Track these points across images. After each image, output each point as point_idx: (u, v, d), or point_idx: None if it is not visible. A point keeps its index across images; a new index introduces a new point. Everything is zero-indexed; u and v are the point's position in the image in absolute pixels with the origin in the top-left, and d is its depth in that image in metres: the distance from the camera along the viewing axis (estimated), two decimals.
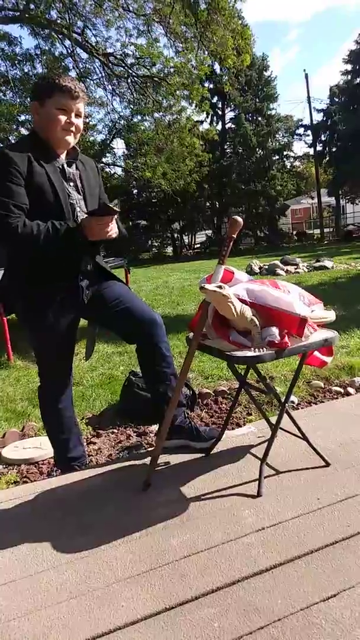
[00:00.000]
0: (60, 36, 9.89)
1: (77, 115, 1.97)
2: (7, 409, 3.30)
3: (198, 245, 28.63)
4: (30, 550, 1.65)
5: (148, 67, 10.77)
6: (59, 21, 9.59)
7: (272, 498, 1.79)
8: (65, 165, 1.99)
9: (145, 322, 2.08)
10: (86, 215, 1.94)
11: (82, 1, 9.69)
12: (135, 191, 24.60)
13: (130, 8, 9.83)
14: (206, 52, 9.73)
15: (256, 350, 1.75)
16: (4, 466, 2.47)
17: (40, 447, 2.55)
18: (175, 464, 2.12)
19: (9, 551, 1.65)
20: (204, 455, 2.17)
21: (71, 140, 1.98)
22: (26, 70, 10.75)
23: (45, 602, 1.41)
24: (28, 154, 1.88)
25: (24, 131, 11.38)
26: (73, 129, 1.96)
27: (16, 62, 10.63)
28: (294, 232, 29.40)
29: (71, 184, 2.00)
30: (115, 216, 1.94)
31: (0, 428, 2.97)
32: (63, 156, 2.00)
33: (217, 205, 26.85)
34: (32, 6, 8.87)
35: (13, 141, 10.87)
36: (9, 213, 1.79)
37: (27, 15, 8.45)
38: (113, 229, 1.94)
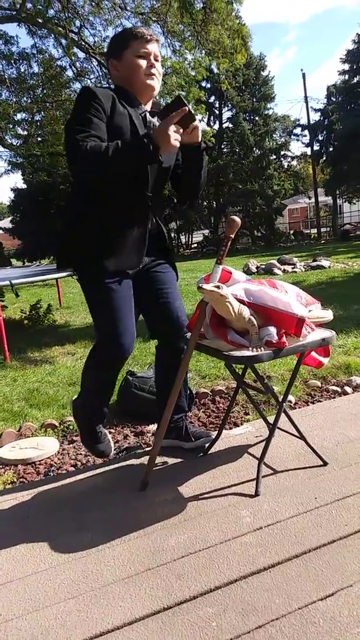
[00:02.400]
0: (56, 35, 9.87)
1: (156, 59, 1.95)
2: (3, 409, 3.29)
3: (195, 245, 28.62)
4: (28, 551, 1.64)
5: None
6: (56, 20, 9.57)
7: (269, 497, 1.79)
8: (148, 115, 1.96)
9: (178, 330, 2.08)
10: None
11: (81, 1, 9.67)
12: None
13: (128, 7, 9.82)
14: (203, 52, 9.73)
15: (254, 350, 1.75)
16: (1, 466, 2.46)
17: (37, 448, 2.55)
18: (173, 463, 2.12)
19: (6, 551, 1.65)
20: (201, 454, 2.17)
21: (155, 84, 1.95)
22: (22, 70, 10.73)
23: (43, 602, 1.41)
24: (113, 94, 1.87)
25: (19, 130, 11.37)
26: (155, 71, 1.94)
27: (12, 61, 10.61)
28: (291, 232, 29.44)
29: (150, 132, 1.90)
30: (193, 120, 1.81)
31: None
32: (147, 107, 1.98)
33: (214, 205, 26.87)
34: (29, 5, 8.84)
35: (9, 140, 10.85)
36: (82, 139, 1.71)
37: (24, 15, 8.43)
38: (193, 133, 1.87)
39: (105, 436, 2.14)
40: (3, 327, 4.77)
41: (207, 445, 2.20)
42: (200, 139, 1.94)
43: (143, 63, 1.91)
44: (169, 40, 10.01)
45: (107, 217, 1.90)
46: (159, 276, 2.11)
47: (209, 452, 2.18)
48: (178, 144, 1.78)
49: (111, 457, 2.23)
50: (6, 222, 27.02)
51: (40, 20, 8.57)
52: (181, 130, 1.78)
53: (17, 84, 10.35)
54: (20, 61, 10.57)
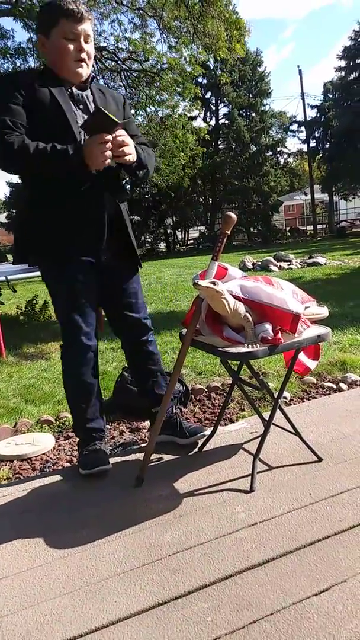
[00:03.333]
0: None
1: (86, 40, 1.86)
2: None
3: (191, 241, 28.60)
4: (23, 547, 1.64)
5: (141, 62, 10.71)
6: None
7: (264, 493, 1.80)
8: (74, 89, 1.89)
9: (136, 322, 2.13)
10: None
11: None
12: (128, 187, 24.54)
13: (124, 2, 9.77)
14: (200, 47, 9.69)
15: (249, 346, 1.75)
16: None
17: (33, 444, 2.54)
18: (169, 459, 2.12)
19: (1, 547, 1.65)
20: (196, 451, 2.18)
21: (84, 71, 1.88)
22: (18, 64, 10.64)
23: (38, 597, 1.41)
24: (33, 78, 1.83)
25: None
26: (84, 56, 1.85)
27: (8, 55, 10.52)
28: (288, 229, 29.46)
29: (80, 106, 1.88)
30: (120, 133, 1.75)
31: None
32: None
33: (211, 201, 26.85)
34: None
35: None
36: (5, 129, 1.73)
37: (20, 9, 8.36)
38: (128, 147, 1.79)
39: (101, 453, 2.06)
40: None
41: (202, 441, 2.21)
42: (131, 159, 1.85)
43: (71, 47, 1.82)
44: (164, 36, 9.98)
45: (56, 201, 1.85)
46: (121, 273, 2.08)
47: (204, 448, 2.18)
48: (107, 163, 1.76)
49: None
50: (2, 217, 26.89)
51: (35, 14, 8.49)
52: (109, 137, 1.73)
53: None
54: (16, 55, 10.48)
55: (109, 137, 1.74)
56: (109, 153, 1.75)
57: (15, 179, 19.96)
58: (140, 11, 9.88)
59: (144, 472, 1.96)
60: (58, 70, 1.86)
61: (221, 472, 1.98)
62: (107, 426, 2.78)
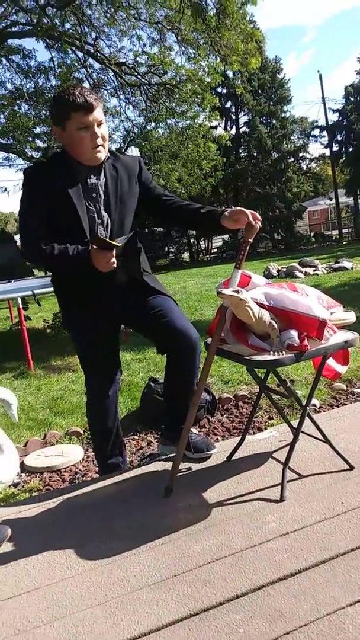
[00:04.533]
0: (73, 48, 10.01)
1: (99, 125, 1.93)
2: (28, 418, 3.33)
3: (215, 250, 28.60)
4: (54, 558, 1.66)
5: (160, 75, 10.85)
6: (71, 32, 9.72)
7: (295, 502, 1.77)
8: (89, 179, 1.97)
9: (187, 339, 2.02)
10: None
11: (96, 13, 9.81)
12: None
13: (142, 17, 9.92)
14: (218, 58, 9.76)
15: (275, 353, 1.74)
16: (27, 474, 2.49)
17: (62, 455, 2.57)
18: (197, 469, 2.11)
19: (34, 559, 1.66)
20: (225, 460, 2.16)
21: (102, 155, 1.96)
22: (40, 83, 10.90)
23: (70, 609, 1.42)
24: (52, 169, 1.97)
25: (39, 143, 11.55)
26: (100, 141, 1.93)
27: (30, 74, 10.79)
28: (312, 234, 29.19)
29: (93, 195, 1.97)
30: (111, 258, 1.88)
31: (22, 437, 3.00)
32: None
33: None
34: (45, 20, 9.00)
35: (29, 153, 11.03)
36: (27, 234, 1.96)
37: (40, 28, 8.58)
38: (115, 263, 1.91)
39: None
40: (27, 337, 4.84)
41: (229, 450, 2.19)
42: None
43: (87, 136, 1.89)
44: (183, 48, 10.09)
45: (66, 277, 2.03)
46: (147, 303, 2.08)
47: (233, 457, 2.17)
48: (110, 269, 1.88)
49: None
50: None
51: (56, 34, 8.70)
52: (111, 255, 1.86)
53: (35, 97, 10.51)
54: (39, 74, 10.74)
55: (111, 255, 1.87)
56: (113, 261, 1.88)
57: None
58: (159, 25, 10.01)
59: (173, 483, 1.95)
60: (76, 156, 1.95)
61: (250, 481, 1.96)
62: (135, 437, 2.79)
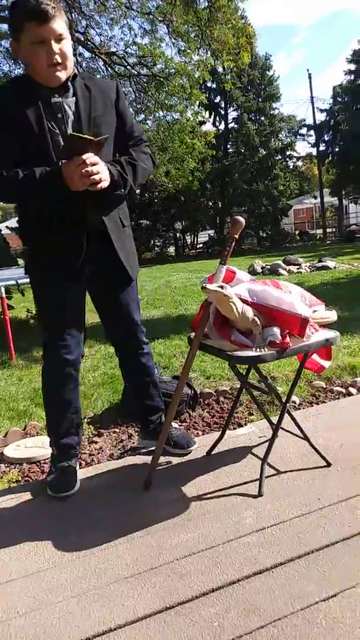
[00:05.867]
0: None
1: (58, 40, 1.68)
2: (9, 408, 3.30)
3: (200, 245, 28.62)
4: (31, 549, 1.65)
5: (150, 67, 10.77)
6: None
7: (273, 498, 1.79)
8: (53, 98, 1.76)
9: (128, 334, 2.10)
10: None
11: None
12: (137, 191, 24.62)
13: (134, 7, 9.83)
14: (208, 52, 9.73)
15: (257, 350, 1.75)
16: (6, 465, 2.47)
17: (42, 447, 2.55)
18: (177, 463, 2.12)
19: (10, 550, 1.66)
20: (205, 455, 2.17)
21: (61, 75, 1.73)
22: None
23: (47, 600, 1.42)
24: (9, 93, 1.78)
25: None
26: (58, 58, 1.69)
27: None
28: (297, 232, 29.37)
29: (58, 115, 1.76)
30: (91, 159, 1.63)
31: (2, 427, 2.97)
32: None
33: (220, 205, 26.84)
34: None
35: None
36: None
37: None
38: (99, 174, 1.67)
39: (70, 475, 2.01)
40: (9, 327, 4.79)
41: (209, 445, 2.20)
42: (103, 186, 1.73)
43: (42, 52, 1.67)
44: (174, 41, 10.03)
45: (40, 212, 1.84)
46: (111, 285, 2.01)
47: (213, 452, 2.18)
48: (85, 186, 1.69)
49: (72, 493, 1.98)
50: (13, 222, 27.07)
51: None
52: (86, 157, 1.65)
53: None
54: None
55: (86, 156, 1.66)
56: (89, 170, 1.67)
57: None
58: (150, 16, 9.92)
59: (152, 476, 1.96)
60: (34, 74, 1.74)
61: (229, 476, 1.98)
62: (116, 430, 2.78)
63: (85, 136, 1.64)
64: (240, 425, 2.64)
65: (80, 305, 1.98)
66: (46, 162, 1.72)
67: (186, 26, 9.53)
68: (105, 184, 1.73)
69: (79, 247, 1.85)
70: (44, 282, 1.94)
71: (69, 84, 1.79)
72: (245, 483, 1.91)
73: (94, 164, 1.68)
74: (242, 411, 2.87)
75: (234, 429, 2.51)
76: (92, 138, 1.64)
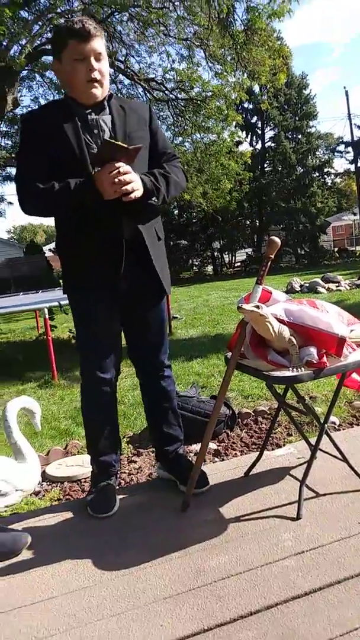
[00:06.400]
0: None
1: (97, 59, 1.79)
2: (51, 427, 3.38)
3: (238, 264, 28.60)
4: (72, 567, 1.68)
5: (187, 91, 11.00)
6: None
7: (312, 521, 1.77)
8: (89, 115, 1.84)
9: (151, 355, 2.10)
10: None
11: (126, 29, 10.02)
12: (176, 212, 24.91)
13: (172, 33, 10.10)
14: (245, 74, 9.86)
15: (294, 370, 1.75)
16: (48, 483, 2.53)
17: (83, 465, 2.60)
18: (215, 484, 2.12)
19: (51, 567, 1.69)
20: (243, 475, 2.16)
21: (98, 92, 1.83)
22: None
23: (86, 619, 1.44)
24: (48, 112, 1.87)
25: None
26: (96, 75, 1.79)
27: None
28: (336, 249, 28.96)
29: (95, 131, 1.84)
30: (124, 169, 1.68)
31: (44, 446, 3.05)
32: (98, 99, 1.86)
33: (257, 224, 26.83)
34: None
35: None
36: (22, 176, 1.82)
37: None
38: (131, 183, 1.72)
39: (109, 494, 2.02)
40: (52, 347, 4.92)
41: (247, 465, 2.19)
42: (136, 195, 1.78)
43: (82, 68, 1.77)
44: (210, 64, 10.22)
45: (76, 229, 1.88)
46: (142, 302, 2.02)
47: (251, 472, 2.17)
48: (121, 191, 1.73)
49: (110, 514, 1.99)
50: (54, 245, 27.87)
51: None
52: (119, 165, 1.71)
53: None
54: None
55: (119, 164, 1.72)
56: (121, 178, 1.72)
57: None
58: (187, 42, 10.16)
59: (189, 497, 1.96)
60: (72, 93, 1.84)
61: (267, 498, 1.96)
62: (148, 452, 2.80)
63: (119, 143, 1.70)
64: (278, 446, 2.61)
65: (115, 323, 2.01)
66: (82, 176, 1.78)
67: (222, 49, 9.70)
68: (138, 193, 1.78)
69: (116, 261, 1.86)
70: (80, 299, 1.98)
71: (105, 102, 1.89)
72: (283, 505, 1.89)
73: (126, 173, 1.73)
74: (280, 432, 2.84)
75: (273, 449, 2.49)
76: (126, 145, 1.69)
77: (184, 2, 9.14)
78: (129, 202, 1.78)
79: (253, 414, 3.16)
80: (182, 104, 11.00)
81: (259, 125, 26.12)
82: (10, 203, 12.12)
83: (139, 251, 1.90)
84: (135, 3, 8.48)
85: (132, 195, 1.76)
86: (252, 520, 1.82)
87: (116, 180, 1.71)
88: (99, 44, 1.79)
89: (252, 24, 8.51)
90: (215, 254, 27.36)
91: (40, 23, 8.93)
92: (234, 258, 29.28)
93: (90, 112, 1.85)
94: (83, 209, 1.79)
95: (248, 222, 27.45)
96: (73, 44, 1.76)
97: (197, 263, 26.97)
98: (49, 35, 9.87)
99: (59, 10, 8.63)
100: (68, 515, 2.02)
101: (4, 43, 7.23)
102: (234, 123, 11.04)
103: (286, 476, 2.12)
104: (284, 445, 2.61)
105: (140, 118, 1.95)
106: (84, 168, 1.79)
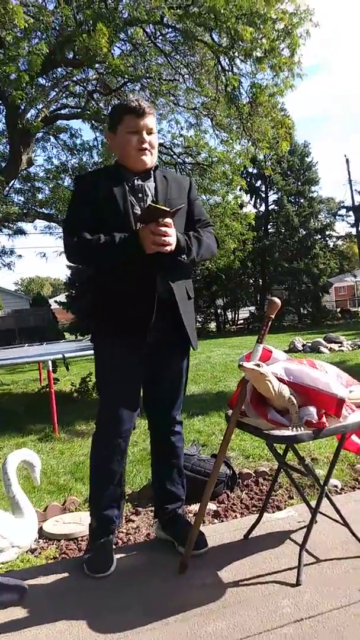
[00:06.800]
0: None
1: (149, 133, 2.02)
2: (50, 482, 3.34)
3: (241, 321, 28.80)
4: (66, 628, 1.64)
5: (194, 156, 11.51)
6: None
7: (311, 587, 1.73)
8: (136, 180, 2.03)
9: (165, 409, 2.15)
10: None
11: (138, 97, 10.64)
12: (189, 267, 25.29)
13: (181, 103, 10.69)
14: (249, 142, 10.35)
15: (294, 429, 1.77)
16: (45, 540, 2.48)
17: (80, 523, 2.56)
18: (213, 546, 2.08)
19: (45, 627, 1.65)
20: (242, 538, 2.13)
21: (147, 159, 2.03)
22: (84, 159, 11.66)
23: None
24: (100, 175, 2.09)
25: None
26: (146, 146, 2.01)
27: (75, 152, 11.59)
28: (338, 310, 29.21)
29: (140, 195, 2.02)
30: (168, 221, 1.85)
31: (42, 501, 3.00)
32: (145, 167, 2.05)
33: (261, 283, 27.23)
34: (92, 103, 9.79)
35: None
36: (71, 228, 1.99)
37: (87, 112, 9.29)
38: (169, 237, 1.87)
39: (107, 553, 2.00)
40: (54, 400, 4.92)
41: (247, 528, 2.16)
42: (168, 249, 1.90)
43: (134, 139, 1.99)
44: (217, 132, 10.76)
45: (110, 280, 2.00)
46: (167, 355, 2.09)
47: (250, 535, 2.13)
48: (156, 250, 1.87)
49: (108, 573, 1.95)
50: (62, 297, 28.24)
51: (101, 117, 9.39)
52: (166, 221, 1.85)
53: (78, 172, 11.22)
54: (83, 152, 11.52)
55: (160, 221, 1.87)
56: (162, 239, 1.86)
57: None
58: (195, 111, 10.74)
59: (187, 559, 1.93)
60: (123, 161, 2.05)
61: (266, 562, 1.93)
62: (152, 508, 2.76)
63: (162, 207, 1.87)
64: (279, 509, 2.58)
65: (138, 375, 2.06)
66: (125, 232, 1.92)
67: (228, 119, 10.23)
68: (170, 248, 1.91)
69: (147, 313, 1.95)
70: (107, 346, 2.04)
71: (151, 172, 2.09)
72: (283, 570, 1.86)
73: (166, 226, 1.88)
74: (282, 494, 2.81)
75: (273, 512, 2.46)
76: (167, 209, 1.86)
77: (193, 76, 9.73)
78: (164, 259, 1.92)
79: (254, 474, 3.13)
80: (189, 167, 11.48)
81: (263, 189, 27.03)
82: (19, 256, 12.35)
83: (169, 306, 2.00)
84: (147, 74, 9.04)
85: (167, 248, 1.90)
86: (251, 585, 1.79)
87: (157, 237, 1.85)
88: (151, 120, 2.02)
89: (256, 97, 9.02)
90: (219, 311, 27.61)
91: (56, 89, 9.50)
92: (237, 316, 29.51)
93: (137, 178, 2.04)
94: (123, 261, 1.93)
95: (251, 281, 27.86)
96: (128, 119, 1.99)
97: (200, 319, 27.17)
98: (65, 100, 10.50)
99: (75, 79, 9.21)
100: (64, 574, 1.98)
101: (22, 107, 7.66)
102: (239, 187, 11.47)
103: (286, 540, 2.09)
104: (284, 507, 2.58)
105: (180, 187, 2.14)
106: (127, 225, 1.94)
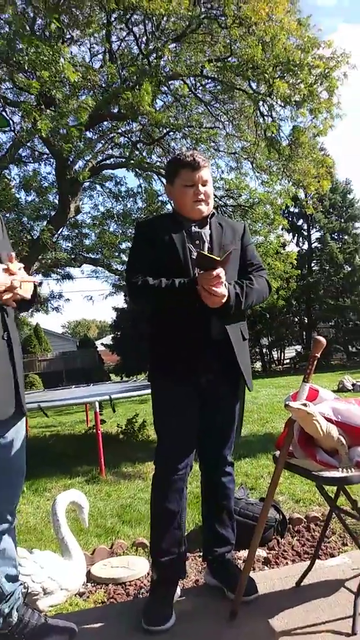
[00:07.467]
0: (159, 176, 11.17)
1: (204, 184, 2.12)
2: (97, 525, 3.34)
3: (287, 361, 28.35)
4: None
5: (235, 198, 11.72)
6: (158, 164, 10.90)
7: None
8: (193, 227, 2.13)
9: (217, 451, 2.15)
10: None
11: (179, 145, 11.01)
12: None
13: (221, 148, 10.99)
14: (290, 182, 10.47)
15: (344, 470, 1.73)
16: (92, 584, 2.47)
17: (128, 567, 2.54)
18: (264, 593, 2.02)
19: None
20: (294, 586, 2.06)
21: (204, 208, 2.13)
22: (128, 206, 12.08)
23: None
24: (159, 222, 2.22)
25: (124, 257, 12.57)
26: (202, 197, 2.11)
27: (120, 198, 12.05)
28: None
29: (197, 241, 2.11)
30: (218, 271, 1.88)
31: (90, 544, 3.00)
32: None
33: (306, 321, 26.89)
34: (136, 153, 10.23)
35: (115, 266, 12.01)
36: (133, 272, 2.09)
37: (132, 161, 9.70)
38: (219, 290, 1.91)
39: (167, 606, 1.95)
40: (101, 442, 4.96)
41: (299, 575, 2.09)
42: (213, 302, 1.95)
43: (190, 192, 2.10)
44: (257, 174, 10.95)
45: (167, 323, 2.07)
46: (221, 397, 2.11)
47: (302, 583, 2.06)
48: (217, 287, 1.91)
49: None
50: (107, 339, 28.76)
51: (145, 165, 9.77)
52: (216, 272, 1.89)
53: (123, 218, 11.62)
54: (127, 198, 11.96)
55: (216, 272, 1.91)
56: (217, 281, 1.92)
57: (121, 304, 21.64)
58: (236, 155, 11.00)
59: (237, 606, 1.88)
60: (181, 211, 2.16)
61: (320, 611, 1.85)
62: (194, 557, 2.71)
63: (211, 255, 1.94)
64: (332, 556, 2.48)
65: (195, 415, 2.07)
66: (183, 276, 2.01)
67: (269, 161, 10.41)
68: (220, 301, 1.95)
69: (197, 355, 2.01)
70: (163, 386, 2.09)
71: (207, 219, 2.18)
72: (337, 619, 1.78)
73: (219, 283, 1.92)
74: (335, 540, 2.70)
75: (326, 559, 2.37)
76: (217, 258, 1.92)
77: (233, 122, 10.02)
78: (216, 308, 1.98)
79: (305, 520, 3.02)
80: (230, 209, 11.68)
81: (305, 227, 27.07)
82: (67, 300, 12.71)
83: (224, 348, 2.04)
84: (188, 124, 9.39)
85: (216, 300, 1.95)
86: (304, 635, 1.72)
87: (207, 287, 1.90)
88: (205, 172, 2.12)
89: (296, 138, 9.18)
90: (264, 350, 27.32)
91: (102, 142, 9.99)
92: (283, 355, 29.11)
93: (194, 225, 2.15)
94: (180, 303, 2.00)
95: (296, 319, 27.57)
96: (184, 172, 2.10)
97: None
98: (110, 151, 11.01)
99: (119, 131, 9.67)
100: (112, 619, 1.97)
101: (71, 158, 8.09)
102: (280, 226, 11.55)
103: (340, 588, 2.00)
104: (338, 554, 2.48)
105: (235, 233, 2.23)
106: (185, 270, 2.04)
